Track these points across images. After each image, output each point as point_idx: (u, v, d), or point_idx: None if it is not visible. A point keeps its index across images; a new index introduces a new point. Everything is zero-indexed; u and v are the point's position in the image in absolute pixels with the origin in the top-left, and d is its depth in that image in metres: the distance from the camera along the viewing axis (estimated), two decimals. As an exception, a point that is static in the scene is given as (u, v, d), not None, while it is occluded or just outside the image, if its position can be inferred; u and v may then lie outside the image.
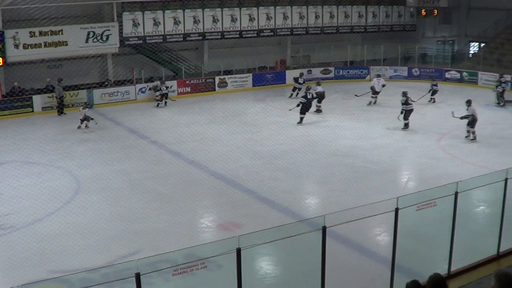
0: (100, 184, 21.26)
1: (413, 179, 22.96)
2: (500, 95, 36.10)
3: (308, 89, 30.30)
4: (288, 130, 28.85)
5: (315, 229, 10.62)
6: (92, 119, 29.95)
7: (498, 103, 36.03)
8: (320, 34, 46.65)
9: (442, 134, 27.30)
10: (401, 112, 29.07)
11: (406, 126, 29.03)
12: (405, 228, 13.44)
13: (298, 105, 30.13)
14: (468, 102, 27.53)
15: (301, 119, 30.01)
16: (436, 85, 36.77)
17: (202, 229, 17.75)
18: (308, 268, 12.36)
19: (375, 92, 36.17)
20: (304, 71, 42.95)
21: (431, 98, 36.48)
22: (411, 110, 29.03)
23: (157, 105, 35.56)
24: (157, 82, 36.65)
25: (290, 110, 31.27)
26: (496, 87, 36.54)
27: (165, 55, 40.74)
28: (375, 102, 36.09)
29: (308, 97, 30.09)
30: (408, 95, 29.15)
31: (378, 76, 38.85)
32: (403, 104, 29.06)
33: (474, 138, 26.87)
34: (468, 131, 26.97)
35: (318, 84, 34.44)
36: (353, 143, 26.46)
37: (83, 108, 30.44)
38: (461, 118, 27.07)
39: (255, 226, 14.93)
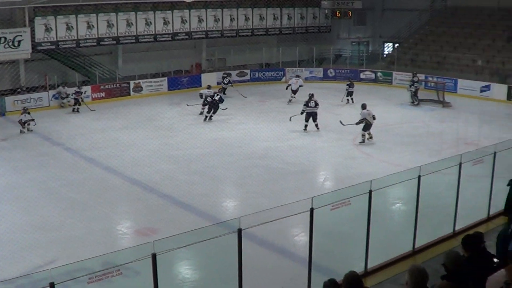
0: (13, 193, 20.74)
1: (329, 179, 23.24)
2: (414, 94, 36.84)
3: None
4: (203, 133, 28.69)
5: (231, 231, 10.59)
6: (32, 120, 29.78)
7: (412, 102, 36.74)
8: (235, 36, 46.71)
9: (357, 134, 27.59)
10: (301, 112, 29.38)
11: (305, 127, 29.38)
12: (322, 227, 13.53)
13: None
14: (362, 106, 27.93)
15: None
16: (350, 86, 37.22)
17: (118, 235, 17.53)
18: (226, 270, 12.35)
19: (294, 92, 36.76)
20: (220, 74, 43.07)
21: (347, 99, 36.91)
22: (311, 113, 29.23)
23: (73, 110, 34.91)
24: (60, 88, 36.11)
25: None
26: (410, 86, 37.27)
27: (79, 60, 40.01)
28: (290, 101, 36.60)
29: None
30: (314, 98, 29.34)
31: (297, 76, 39.30)
32: (304, 104, 29.30)
33: (370, 138, 27.45)
34: (362, 135, 27.37)
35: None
36: (269, 145, 26.55)
37: (21, 113, 29.81)
38: (357, 123, 27.51)
39: (172, 231, 14.76)
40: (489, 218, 16.37)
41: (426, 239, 14.66)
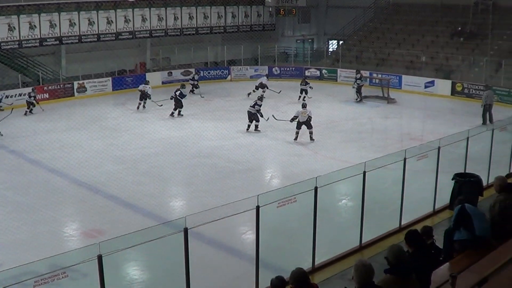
0: (-45, 198, 20.35)
1: (276, 176, 23.30)
2: (357, 91, 37.12)
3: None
4: (149, 133, 28.47)
5: (177, 231, 10.54)
6: None
7: (356, 99, 37.04)
8: (179, 35, 46.48)
9: (303, 131, 27.68)
10: (291, 120, 29.31)
11: (248, 127, 29.53)
12: (269, 225, 13.55)
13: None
14: (302, 105, 28.14)
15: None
16: (304, 84, 37.32)
17: (65, 238, 17.28)
18: (174, 270, 12.27)
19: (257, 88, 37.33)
20: (165, 73, 42.98)
21: (301, 97, 36.94)
22: (248, 112, 29.42)
23: (25, 114, 34.24)
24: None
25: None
26: (354, 83, 37.57)
27: (21, 61, 39.41)
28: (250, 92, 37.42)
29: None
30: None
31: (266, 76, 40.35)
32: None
33: (296, 138, 27.51)
34: (296, 133, 27.52)
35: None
36: (215, 144, 26.51)
37: None
38: (291, 120, 27.71)
39: (119, 232, 14.60)
40: (435, 212, 16.60)
41: (373, 234, 14.82)
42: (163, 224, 13.16)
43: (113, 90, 41.26)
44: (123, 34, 42.75)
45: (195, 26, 47.20)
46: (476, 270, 9.89)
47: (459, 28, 45.07)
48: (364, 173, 13.90)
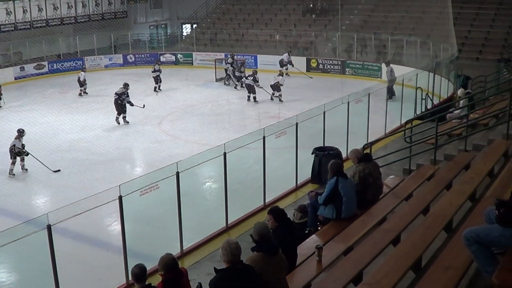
0: None
1: (138, 164, 23.14)
2: (233, 77, 37.10)
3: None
4: (6, 131, 27.38)
5: (40, 228, 10.30)
6: None
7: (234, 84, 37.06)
8: (30, 29, 45.15)
9: (162, 117, 27.60)
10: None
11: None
12: (134, 214, 13.48)
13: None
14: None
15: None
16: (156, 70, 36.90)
17: None
18: (42, 268, 11.96)
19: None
20: (17, 68, 41.74)
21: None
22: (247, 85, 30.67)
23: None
24: None
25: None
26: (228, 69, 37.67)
27: None
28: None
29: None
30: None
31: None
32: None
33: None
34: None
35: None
36: (74, 137, 25.95)
37: None
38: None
39: (-20, 235, 14.24)
40: (298, 187, 16.90)
41: (239, 214, 14.96)
42: (25, 223, 12.80)
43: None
44: (-31, 30, 41.17)
45: (45, 18, 45.98)
46: (341, 240, 10.17)
47: (311, 5, 46.05)
48: (225, 154, 13.99)
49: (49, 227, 10.21)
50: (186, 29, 56.52)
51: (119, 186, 11.36)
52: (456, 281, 7.53)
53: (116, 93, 28.57)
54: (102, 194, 11.79)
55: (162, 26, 57.20)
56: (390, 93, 28.68)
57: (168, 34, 56.09)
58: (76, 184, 19.92)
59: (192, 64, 45.14)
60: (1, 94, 33.05)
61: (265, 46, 44.41)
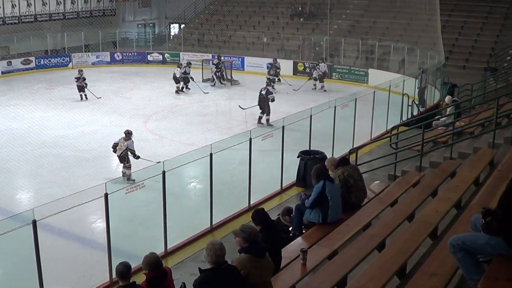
0: None
1: (124, 163, 23.06)
2: (219, 77, 37.19)
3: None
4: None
5: (25, 223, 10.28)
6: None
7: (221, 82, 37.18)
8: (18, 23, 44.87)
9: (148, 116, 27.56)
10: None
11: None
12: (119, 212, 13.46)
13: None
14: None
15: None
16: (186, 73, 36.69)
17: None
18: (25, 265, 11.94)
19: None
20: (4, 62, 41.54)
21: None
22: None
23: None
24: None
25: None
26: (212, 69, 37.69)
27: None
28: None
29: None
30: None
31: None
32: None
33: None
34: None
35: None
36: (60, 133, 25.84)
37: None
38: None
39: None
40: (283, 190, 16.96)
41: (224, 215, 15.02)
42: (10, 217, 12.76)
43: None
44: (-43, 23, 40.94)
45: (34, 13, 45.78)
46: (326, 244, 10.20)
47: (299, 9, 46.15)
48: (211, 155, 14.02)
49: (34, 223, 10.19)
50: (174, 29, 56.49)
51: (105, 183, 11.36)
52: (440, 288, 7.58)
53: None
54: (87, 191, 11.78)
55: (150, 25, 57.13)
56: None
57: (156, 33, 56.05)
58: (60, 180, 19.83)
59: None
60: None
61: (252, 48, 44.44)
